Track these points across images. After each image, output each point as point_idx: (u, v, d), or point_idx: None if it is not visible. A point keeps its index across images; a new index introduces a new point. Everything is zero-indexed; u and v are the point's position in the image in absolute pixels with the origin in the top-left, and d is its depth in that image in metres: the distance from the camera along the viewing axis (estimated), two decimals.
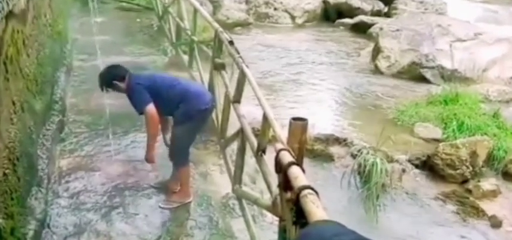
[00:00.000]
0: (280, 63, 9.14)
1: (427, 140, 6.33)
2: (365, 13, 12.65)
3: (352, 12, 12.68)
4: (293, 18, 12.37)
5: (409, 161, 5.88)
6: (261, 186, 4.12)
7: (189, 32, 6.89)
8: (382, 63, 8.99)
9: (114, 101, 5.63)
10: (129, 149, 5.21)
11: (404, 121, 6.78)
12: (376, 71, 9.00)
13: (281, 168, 2.56)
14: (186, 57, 7.07)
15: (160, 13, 9.17)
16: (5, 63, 3.65)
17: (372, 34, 10.90)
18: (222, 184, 4.75)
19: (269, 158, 3.22)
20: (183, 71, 6.80)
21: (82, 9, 9.36)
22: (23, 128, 4.09)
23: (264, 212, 4.10)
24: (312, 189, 2.14)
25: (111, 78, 4.40)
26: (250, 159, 4.32)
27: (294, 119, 2.88)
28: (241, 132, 4.12)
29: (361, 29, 11.73)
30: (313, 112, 6.74)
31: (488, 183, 5.72)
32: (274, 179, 3.04)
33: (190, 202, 4.44)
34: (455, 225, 5.23)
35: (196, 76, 6.23)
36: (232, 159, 4.58)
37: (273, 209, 3.26)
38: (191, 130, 4.34)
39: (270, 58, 9.46)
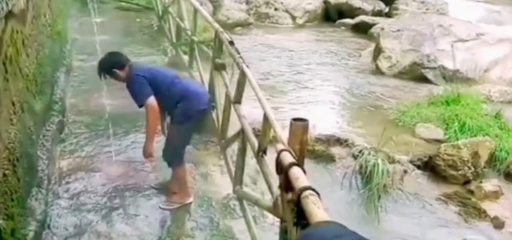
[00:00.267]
0: (280, 64, 9.13)
1: (428, 141, 6.31)
2: (366, 13, 12.63)
3: (353, 12, 12.66)
4: (294, 18, 12.35)
5: (411, 161, 5.86)
6: (262, 187, 4.10)
7: (189, 32, 6.87)
8: (383, 64, 8.97)
9: (114, 101, 5.62)
10: (129, 149, 5.20)
11: (406, 122, 6.75)
12: (377, 71, 8.98)
13: (282, 169, 2.54)
14: (186, 58, 7.05)
15: (160, 13, 9.16)
16: (4, 64, 3.64)
17: (373, 34, 10.87)
18: (223, 185, 4.73)
19: (270, 159, 3.20)
20: (183, 71, 6.77)
21: (81, 9, 9.34)
22: (23, 129, 4.08)
23: (265, 213, 4.09)
24: (313, 190, 2.13)
25: (110, 65, 4.33)
26: (251, 160, 4.31)
27: (295, 119, 2.87)
28: (241, 133, 4.11)
29: (362, 29, 11.70)
30: (314, 113, 6.73)
31: (490, 184, 5.69)
32: (275, 180, 3.02)
33: (191, 203, 4.42)
34: (457, 226, 5.21)
35: (197, 76, 6.21)
36: (233, 160, 4.57)
37: (274, 210, 3.25)
38: (188, 130, 4.32)
39: (270, 58, 9.45)
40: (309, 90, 7.92)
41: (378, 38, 9.52)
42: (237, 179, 4.20)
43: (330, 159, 5.83)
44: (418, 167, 5.87)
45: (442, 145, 5.99)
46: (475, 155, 5.84)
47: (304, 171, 2.45)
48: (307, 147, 4.13)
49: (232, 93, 4.55)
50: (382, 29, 9.80)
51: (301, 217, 2.11)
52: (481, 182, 5.74)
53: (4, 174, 3.36)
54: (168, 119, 4.53)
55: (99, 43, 6.58)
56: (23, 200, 3.76)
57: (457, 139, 6.15)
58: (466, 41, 8.95)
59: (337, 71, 9.01)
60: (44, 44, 5.75)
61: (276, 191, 3.04)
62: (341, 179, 5.49)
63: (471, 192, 5.64)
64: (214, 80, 5.31)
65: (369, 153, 5.48)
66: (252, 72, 4.18)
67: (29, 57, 4.72)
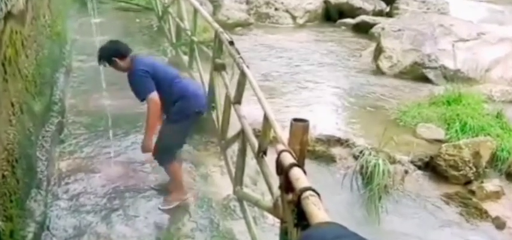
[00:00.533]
0: (281, 64, 9.11)
1: (429, 141, 6.29)
2: (367, 13, 12.61)
3: (353, 12, 12.64)
4: (294, 18, 12.33)
5: (412, 162, 5.84)
6: (262, 188, 4.09)
7: (189, 33, 6.85)
8: (384, 64, 8.95)
9: (114, 102, 5.61)
10: (129, 150, 5.18)
11: (407, 122, 6.73)
12: (378, 71, 8.95)
13: (282, 170, 2.52)
14: (186, 58, 7.03)
15: (160, 13, 9.14)
16: (3, 64, 3.64)
17: (373, 34, 10.85)
18: (223, 186, 4.71)
19: (270, 160, 3.19)
20: (183, 71, 6.76)
21: (81, 9, 9.34)
22: (22, 130, 4.07)
23: (265, 213, 4.07)
24: (314, 191, 2.12)
25: (110, 54, 4.26)
26: (251, 161, 4.29)
27: (295, 119, 2.85)
28: (242, 134, 4.09)
29: (362, 29, 11.68)
30: (315, 113, 6.71)
31: (492, 184, 5.68)
32: (275, 181, 3.01)
33: (187, 198, 4.40)
34: (458, 226, 5.19)
35: (196, 77, 6.19)
36: (233, 161, 4.55)
37: (274, 210, 3.23)
38: (183, 130, 4.31)
39: (270, 59, 9.43)
40: (309, 91, 7.90)
41: (378, 38, 9.50)
42: (237, 180, 4.18)
43: (331, 159, 5.81)
44: (419, 168, 5.85)
45: (443, 145, 5.97)
46: (477, 155, 5.82)
47: (305, 172, 2.43)
48: (308, 147, 4.12)
49: (232, 93, 4.53)
50: (383, 28, 9.78)
51: (301, 218, 2.10)
52: (482, 182, 5.72)
53: (3, 176, 3.35)
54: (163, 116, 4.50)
55: (98, 44, 6.54)
56: (22, 201, 3.76)
57: (458, 139, 6.13)
58: (467, 40, 8.93)
59: (338, 71, 9.00)
60: (43, 45, 5.75)
61: (276, 191, 3.03)
62: (342, 180, 5.47)
63: (472, 192, 5.62)
64: (214, 80, 5.29)
65: (370, 154, 5.46)
66: (252, 73, 4.16)
67: (28, 58, 4.71)
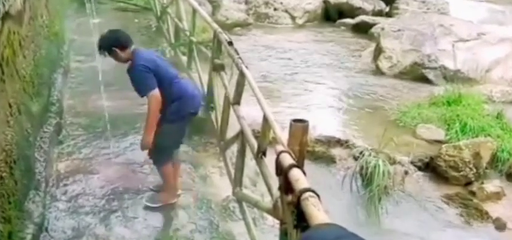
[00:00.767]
0: (280, 64, 9.10)
1: (429, 142, 6.28)
2: (366, 13, 12.60)
3: (353, 12, 12.63)
4: (293, 18, 12.31)
5: (412, 162, 5.83)
6: (262, 189, 4.07)
7: (188, 33, 6.83)
8: (384, 64, 8.93)
9: (112, 103, 5.58)
10: (128, 151, 5.15)
11: (407, 122, 6.73)
12: (378, 71, 8.95)
13: (282, 171, 2.51)
14: (184, 58, 7.01)
15: (159, 13, 9.11)
16: (1, 65, 3.63)
17: (373, 34, 10.84)
18: (222, 187, 4.69)
19: (269, 160, 3.17)
20: (182, 72, 6.74)
21: (79, 9, 9.30)
22: (20, 131, 4.05)
23: (265, 215, 4.05)
24: (313, 192, 2.11)
25: (111, 43, 4.17)
26: (250, 162, 4.27)
27: (295, 120, 2.83)
28: (241, 134, 4.07)
29: (362, 29, 11.67)
30: (314, 113, 6.70)
31: (492, 185, 5.67)
32: (274, 182, 2.99)
33: (175, 202, 4.38)
34: (459, 228, 5.18)
35: (195, 77, 6.18)
36: (232, 162, 4.53)
37: (273, 212, 3.22)
38: (178, 130, 4.28)
39: (270, 59, 9.42)
40: (308, 91, 7.89)
41: (378, 38, 9.49)
42: (237, 181, 4.16)
43: (330, 160, 5.80)
44: (419, 168, 5.85)
45: (444, 146, 5.96)
46: (477, 155, 5.81)
47: (304, 173, 2.42)
48: (307, 148, 4.10)
49: (231, 94, 4.51)
50: (383, 29, 9.77)
51: (301, 219, 2.09)
52: (482, 183, 5.72)
53: (1, 177, 3.34)
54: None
55: (96, 44, 6.52)
56: (20, 202, 3.74)
57: (459, 140, 6.12)
58: (467, 40, 8.92)
59: (337, 72, 8.98)
60: (41, 45, 5.72)
61: (276, 192, 3.02)
62: (341, 181, 5.46)
63: (473, 193, 5.61)
64: (213, 80, 5.27)
65: (370, 155, 5.45)
66: (251, 73, 4.14)
67: (26, 59, 4.69)
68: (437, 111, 6.89)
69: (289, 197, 2.40)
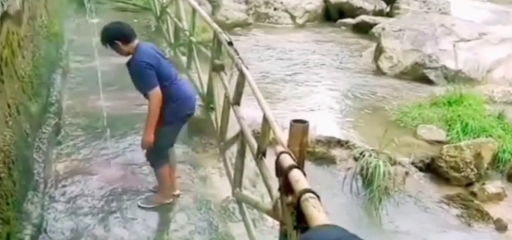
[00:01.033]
0: (280, 64, 9.09)
1: (430, 142, 6.27)
2: (367, 13, 12.59)
3: (353, 12, 12.62)
4: (293, 18, 12.30)
5: (413, 163, 5.82)
6: (262, 190, 4.06)
7: (188, 33, 6.81)
8: (385, 64, 8.92)
9: (112, 103, 5.56)
10: (127, 152, 5.14)
11: (408, 123, 6.72)
12: (378, 71, 8.93)
13: (282, 172, 2.50)
14: (184, 59, 6.99)
15: (158, 13, 9.10)
16: None
17: (374, 34, 10.84)
18: (222, 188, 4.68)
19: (269, 161, 3.16)
20: (181, 72, 6.72)
21: (78, 10, 9.28)
22: (19, 131, 4.04)
23: (265, 216, 4.03)
24: (313, 193, 2.10)
25: (113, 35, 4.09)
26: (250, 162, 4.25)
27: (295, 121, 2.81)
28: (241, 135, 4.05)
29: (363, 29, 11.67)
30: (315, 114, 6.70)
31: (493, 186, 5.66)
32: (274, 183, 2.98)
33: (170, 203, 4.36)
34: (459, 229, 5.17)
35: (195, 78, 6.16)
36: (232, 162, 4.51)
37: (273, 213, 3.20)
38: (175, 131, 4.27)
39: (270, 59, 9.41)
40: (309, 91, 7.88)
41: (379, 38, 9.49)
42: (236, 182, 4.15)
43: (331, 161, 5.79)
44: (420, 169, 5.84)
45: (444, 146, 5.95)
46: (478, 156, 5.80)
47: (304, 174, 2.41)
48: (308, 149, 4.09)
49: (231, 94, 4.50)
50: (383, 28, 9.77)
51: (301, 220, 2.09)
52: (483, 183, 5.71)
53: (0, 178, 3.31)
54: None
55: (96, 44, 6.51)
56: (19, 203, 3.73)
57: (460, 140, 6.11)
58: (469, 40, 8.91)
59: (338, 72, 8.97)
60: (40, 46, 5.70)
61: (276, 193, 3.00)
62: (342, 182, 5.44)
63: (474, 194, 5.60)
64: (213, 81, 5.25)
65: (370, 155, 5.43)
66: (251, 73, 4.13)
67: (24, 59, 4.67)
68: (438, 112, 6.88)
69: (289, 198, 2.39)
